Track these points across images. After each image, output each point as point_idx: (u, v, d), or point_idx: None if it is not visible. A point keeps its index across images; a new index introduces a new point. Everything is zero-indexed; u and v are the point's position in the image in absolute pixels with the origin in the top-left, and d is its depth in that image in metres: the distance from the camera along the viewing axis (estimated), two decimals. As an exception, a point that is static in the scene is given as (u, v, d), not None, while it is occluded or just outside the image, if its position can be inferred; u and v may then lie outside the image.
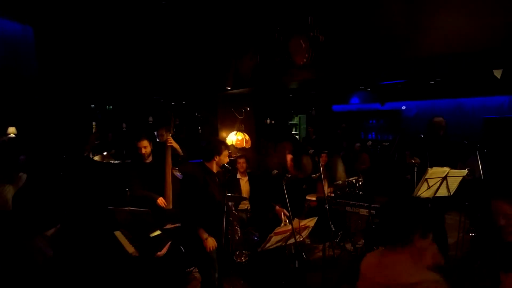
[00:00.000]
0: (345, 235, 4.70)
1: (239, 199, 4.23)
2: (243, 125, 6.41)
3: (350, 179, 4.81)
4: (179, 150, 3.64)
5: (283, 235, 2.89)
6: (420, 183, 3.27)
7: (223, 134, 6.85)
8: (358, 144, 8.22)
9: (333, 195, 4.80)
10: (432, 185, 3.30)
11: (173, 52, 6.62)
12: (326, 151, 5.45)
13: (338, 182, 4.83)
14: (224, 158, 2.99)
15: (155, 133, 4.75)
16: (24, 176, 4.09)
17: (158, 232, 2.94)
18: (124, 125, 10.70)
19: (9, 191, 3.81)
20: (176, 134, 3.87)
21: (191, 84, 7.33)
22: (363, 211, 4.58)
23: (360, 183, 4.74)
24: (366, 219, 4.44)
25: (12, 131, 7.19)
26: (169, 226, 3.14)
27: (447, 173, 3.31)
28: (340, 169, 4.66)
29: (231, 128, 6.58)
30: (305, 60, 4.62)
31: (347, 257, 4.36)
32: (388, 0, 4.07)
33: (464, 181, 3.50)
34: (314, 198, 4.98)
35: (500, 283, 1.54)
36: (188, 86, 7.53)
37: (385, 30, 4.03)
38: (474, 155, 3.77)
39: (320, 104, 10.98)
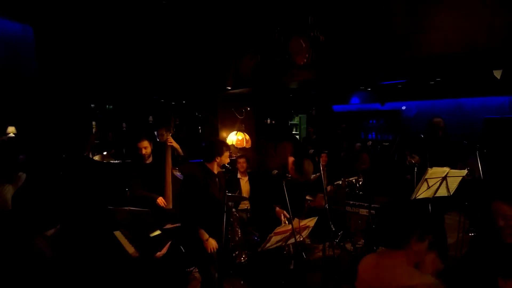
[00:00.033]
0: (345, 235, 4.70)
1: (239, 199, 4.24)
2: (243, 125, 6.41)
3: (350, 179, 4.81)
4: (179, 150, 3.64)
5: (283, 235, 2.89)
6: (420, 183, 3.27)
7: (223, 134, 6.85)
8: (358, 144, 8.25)
9: (333, 195, 4.81)
10: (432, 185, 3.30)
11: (173, 52, 6.62)
12: (326, 151, 5.45)
13: (338, 182, 4.83)
14: (225, 159, 2.97)
15: (155, 133, 4.75)
16: (23, 175, 4.09)
17: (158, 232, 2.94)
18: (124, 124, 10.70)
19: (9, 191, 3.81)
20: (176, 134, 3.87)
21: (191, 84, 7.33)
22: (363, 211, 4.59)
23: (360, 183, 4.74)
24: (366, 219, 4.44)
25: (11, 130, 7.19)
26: (169, 226, 3.14)
27: (447, 173, 3.31)
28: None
29: (231, 128, 6.58)
30: (305, 60, 4.62)
31: (347, 257, 4.36)
32: (388, 0, 4.07)
33: (464, 181, 3.49)
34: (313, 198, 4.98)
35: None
36: (188, 86, 7.53)
37: (385, 30, 4.03)
38: (474, 155, 3.78)
39: (320, 104, 10.98)
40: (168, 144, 3.50)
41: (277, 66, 5.26)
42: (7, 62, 6.34)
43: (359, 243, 4.65)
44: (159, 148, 3.65)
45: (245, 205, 4.52)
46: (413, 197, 3.29)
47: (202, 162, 2.99)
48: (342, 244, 4.59)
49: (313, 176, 5.00)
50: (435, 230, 4.02)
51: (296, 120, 11.98)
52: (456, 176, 3.41)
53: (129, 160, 5.09)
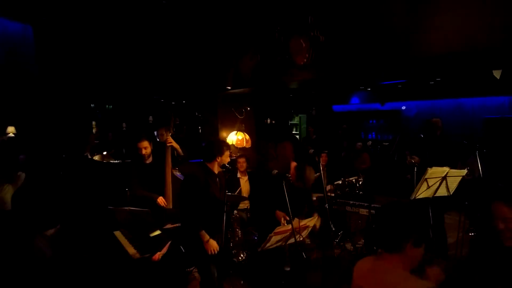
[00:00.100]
0: (345, 235, 4.70)
1: (239, 198, 4.24)
2: (243, 125, 6.41)
3: (350, 178, 4.81)
4: (179, 150, 3.64)
5: (283, 235, 2.89)
6: (419, 183, 3.27)
7: (223, 133, 6.85)
8: (359, 144, 8.21)
9: (333, 194, 4.81)
10: (432, 185, 3.30)
11: (173, 52, 6.62)
12: (326, 151, 5.45)
13: (338, 182, 4.83)
14: (226, 158, 2.97)
15: (155, 132, 4.75)
16: (23, 175, 4.09)
17: (158, 232, 2.94)
18: (124, 124, 10.71)
19: (9, 191, 3.81)
20: (175, 134, 3.87)
21: (191, 84, 7.33)
22: (363, 211, 4.58)
23: (360, 182, 4.73)
24: (366, 219, 4.44)
25: (11, 130, 7.18)
26: (169, 226, 3.14)
27: (447, 173, 3.31)
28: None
29: (231, 127, 6.58)
30: (305, 60, 4.62)
31: (347, 257, 4.36)
32: (388, 0, 4.07)
33: (463, 181, 3.50)
34: (314, 198, 4.98)
35: None
36: (188, 85, 7.53)
37: (385, 30, 4.03)
38: (474, 155, 3.78)
39: (320, 104, 10.97)
40: (168, 144, 3.49)
41: (277, 66, 5.26)
42: (7, 62, 6.34)
43: (359, 243, 4.64)
44: (159, 148, 3.65)
45: (245, 204, 4.52)
46: (413, 197, 3.29)
47: (202, 162, 2.98)
48: (342, 244, 4.59)
49: (314, 175, 5.00)
50: (435, 229, 4.03)
51: (296, 120, 11.97)
52: (456, 176, 3.41)
53: (129, 160, 5.09)
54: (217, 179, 2.98)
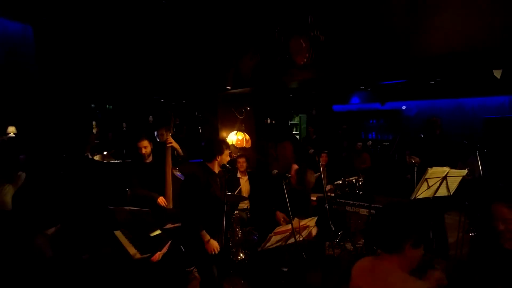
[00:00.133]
0: (345, 235, 4.70)
1: (240, 198, 4.24)
2: (243, 125, 6.41)
3: (350, 178, 4.81)
4: (179, 150, 3.64)
5: (283, 235, 2.89)
6: (420, 183, 3.27)
7: (223, 133, 6.85)
8: (360, 144, 8.22)
9: (333, 194, 4.81)
10: (432, 185, 3.30)
11: (173, 52, 6.62)
12: (326, 151, 5.45)
13: (338, 181, 4.83)
14: (226, 157, 2.96)
15: (155, 133, 4.75)
16: (23, 175, 4.10)
17: (158, 232, 2.94)
18: (124, 124, 10.71)
19: (9, 191, 3.82)
20: (175, 134, 3.87)
21: (191, 84, 7.33)
22: (363, 211, 4.58)
23: (360, 182, 4.74)
24: (366, 219, 4.44)
25: (12, 130, 7.19)
26: (169, 225, 3.14)
27: (447, 173, 3.32)
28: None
29: (231, 127, 6.58)
30: (305, 60, 4.62)
31: (347, 256, 4.36)
32: (388, 0, 4.07)
33: (464, 181, 3.50)
34: (314, 198, 4.98)
35: None
36: (188, 85, 7.53)
37: (386, 30, 4.03)
38: (474, 155, 3.78)
39: (320, 104, 10.98)
40: (168, 144, 3.50)
41: (277, 66, 5.26)
42: (7, 62, 6.35)
43: (359, 242, 4.65)
44: (159, 148, 3.66)
45: (245, 204, 4.52)
46: (413, 197, 3.29)
47: (202, 162, 2.97)
48: (342, 243, 4.59)
49: (314, 175, 5.01)
50: (436, 229, 4.03)
51: (296, 120, 11.98)
52: (456, 176, 3.41)
53: (129, 160, 5.10)
54: (218, 178, 2.97)
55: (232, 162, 4.67)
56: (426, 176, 3.23)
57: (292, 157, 5.03)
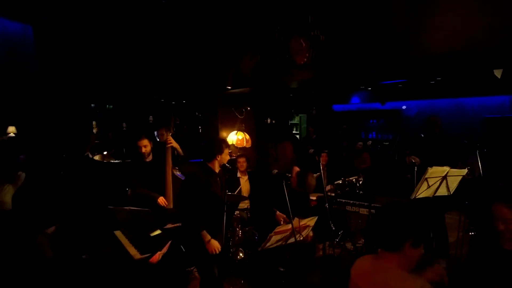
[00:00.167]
0: (345, 235, 4.70)
1: (240, 198, 4.23)
2: (243, 125, 6.41)
3: (351, 178, 4.81)
4: (179, 149, 3.64)
5: (283, 234, 2.89)
6: (420, 183, 3.27)
7: (223, 133, 6.85)
8: (360, 143, 8.22)
9: (333, 194, 4.81)
10: (432, 185, 3.30)
11: (173, 52, 6.62)
12: (326, 151, 5.45)
13: (338, 181, 4.83)
14: (226, 157, 2.95)
15: (155, 133, 4.75)
16: (23, 175, 4.10)
17: (158, 232, 2.94)
18: (124, 124, 10.71)
19: (9, 191, 3.82)
20: (175, 134, 3.87)
21: (191, 84, 7.33)
22: (363, 211, 4.58)
23: (361, 182, 4.74)
24: (366, 219, 4.44)
25: (12, 130, 7.19)
26: (169, 225, 3.14)
27: (447, 172, 3.31)
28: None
29: (231, 127, 6.58)
30: (305, 59, 4.62)
31: (347, 256, 4.36)
32: (388, 0, 4.08)
33: (464, 181, 3.50)
34: (314, 198, 4.99)
35: None
36: (188, 85, 7.53)
37: (386, 30, 4.03)
38: (474, 154, 3.78)
39: (320, 103, 10.98)
40: (168, 145, 3.50)
41: (277, 65, 5.26)
42: (7, 62, 6.34)
43: (359, 242, 4.65)
44: (159, 148, 3.66)
45: (245, 204, 4.52)
46: (413, 197, 3.29)
47: (202, 161, 2.96)
48: (342, 243, 4.59)
49: (314, 175, 5.02)
50: (436, 229, 4.03)
51: (296, 120, 11.98)
52: (456, 175, 3.41)
53: (129, 160, 5.10)
54: (218, 178, 2.97)
55: (232, 162, 4.67)
56: (426, 176, 3.23)
57: (292, 157, 5.03)
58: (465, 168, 3.52)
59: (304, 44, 4.56)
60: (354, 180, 4.74)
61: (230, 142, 6.05)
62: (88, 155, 5.80)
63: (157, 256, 2.71)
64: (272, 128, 9.96)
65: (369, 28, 4.17)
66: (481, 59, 4.13)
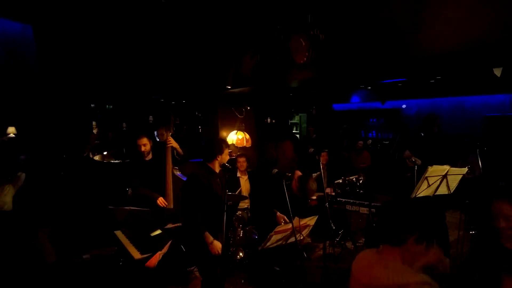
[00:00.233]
0: (346, 234, 4.70)
1: (240, 198, 4.23)
2: (243, 124, 6.41)
3: (351, 177, 4.81)
4: (179, 149, 3.64)
5: (284, 234, 2.89)
6: (420, 182, 3.26)
7: (223, 133, 6.86)
8: (360, 142, 8.23)
9: (333, 193, 4.80)
10: (432, 184, 3.30)
11: (173, 52, 6.62)
12: (327, 150, 5.44)
13: (338, 180, 4.83)
14: (226, 157, 2.94)
15: (155, 132, 4.76)
16: (23, 175, 4.10)
17: (158, 232, 2.94)
18: (124, 124, 10.72)
19: (9, 191, 3.82)
20: (175, 134, 3.87)
21: (191, 84, 7.33)
22: (364, 210, 4.58)
23: (361, 181, 4.73)
24: (367, 218, 4.44)
25: (12, 131, 7.20)
26: (170, 225, 3.14)
27: (447, 171, 3.31)
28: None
29: (231, 127, 6.58)
30: (305, 58, 4.61)
31: (347, 255, 4.36)
32: (388, -2, 4.07)
33: (464, 179, 3.49)
34: (314, 197, 4.98)
35: (501, 285, 1.49)
36: (188, 85, 7.53)
37: (386, 29, 4.02)
38: (475, 153, 3.78)
39: (320, 103, 10.97)
40: (168, 145, 3.50)
41: (277, 65, 5.25)
42: (7, 62, 6.35)
43: (359, 241, 4.65)
44: (159, 148, 3.66)
45: (245, 204, 4.52)
46: (413, 195, 3.28)
47: (203, 162, 2.95)
48: (342, 242, 4.59)
49: (314, 175, 5.03)
50: (437, 227, 4.03)
51: (296, 119, 11.98)
52: (456, 174, 3.40)
53: (129, 160, 5.11)
54: (218, 179, 2.96)
55: (232, 162, 4.67)
56: (426, 175, 3.22)
57: (292, 156, 5.03)
58: (465, 167, 3.52)
59: (304, 43, 4.56)
60: (354, 179, 4.74)
61: (230, 142, 6.05)
62: (88, 155, 5.81)
63: (157, 257, 2.71)
64: (272, 128, 9.96)
65: (368, 26, 4.17)
66: (481, 57, 4.12)
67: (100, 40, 6.53)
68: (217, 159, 2.89)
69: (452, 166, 3.35)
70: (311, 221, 3.13)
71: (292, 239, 2.93)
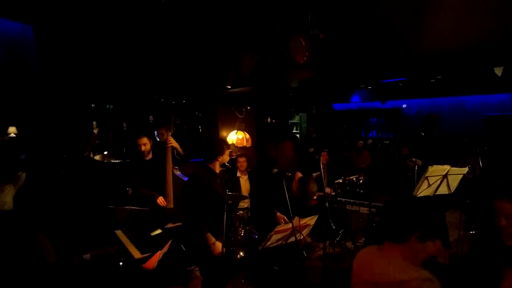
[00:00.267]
0: (346, 234, 4.70)
1: (240, 197, 4.23)
2: (243, 124, 6.41)
3: (351, 177, 4.80)
4: (179, 149, 3.64)
5: (284, 233, 2.89)
6: (420, 181, 3.26)
7: (223, 133, 6.86)
8: (360, 142, 8.24)
9: (333, 193, 4.80)
10: (433, 183, 3.29)
11: (173, 52, 6.62)
12: (327, 150, 5.44)
13: (339, 180, 4.83)
14: (226, 157, 2.92)
15: (155, 132, 4.76)
16: (23, 175, 4.11)
17: (159, 231, 2.95)
18: (124, 124, 10.72)
19: (10, 191, 3.83)
20: (175, 134, 3.88)
21: (191, 83, 7.33)
22: (364, 210, 4.58)
23: (361, 181, 4.73)
24: (367, 218, 4.44)
25: (12, 130, 7.21)
26: (170, 225, 3.15)
27: (448, 171, 3.31)
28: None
29: (231, 127, 6.59)
30: (305, 58, 4.61)
31: (347, 255, 4.36)
32: (388, -2, 4.06)
33: (464, 179, 3.49)
34: (314, 197, 4.98)
35: (502, 278, 1.49)
36: (188, 85, 7.53)
37: (386, 28, 4.02)
38: (475, 153, 3.78)
39: (320, 102, 10.97)
40: (168, 144, 3.50)
41: (277, 64, 5.25)
42: (7, 62, 6.35)
43: (359, 241, 4.65)
44: (159, 148, 3.66)
45: (245, 203, 4.52)
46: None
47: (203, 162, 2.95)
48: (342, 242, 4.59)
49: (314, 174, 5.03)
50: (438, 227, 4.02)
51: (296, 119, 11.97)
52: (457, 174, 3.40)
53: (129, 160, 5.11)
54: (219, 179, 2.95)
55: (232, 162, 4.67)
56: (427, 175, 3.22)
57: (293, 156, 5.03)
58: (465, 167, 3.52)
59: (304, 43, 4.56)
60: (354, 179, 4.74)
61: (230, 142, 6.05)
62: (88, 155, 5.81)
63: (157, 255, 2.71)
64: (272, 128, 9.95)
65: (369, 26, 4.17)
66: (481, 57, 4.12)
67: (100, 40, 6.54)
68: (218, 160, 2.88)
69: (452, 166, 3.35)
70: (311, 220, 3.13)
71: (292, 239, 2.93)
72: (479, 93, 7.88)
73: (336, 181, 4.82)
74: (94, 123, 10.51)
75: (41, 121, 6.58)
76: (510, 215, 1.49)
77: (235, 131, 6.30)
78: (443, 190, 3.41)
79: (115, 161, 5.89)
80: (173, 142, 3.53)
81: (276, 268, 3.34)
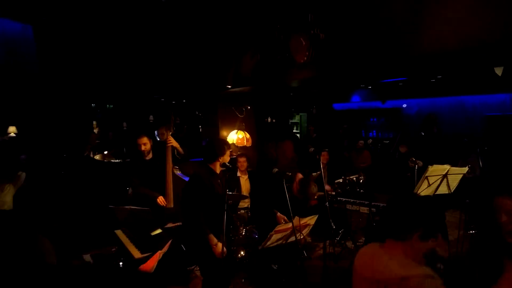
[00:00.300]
0: (346, 233, 4.70)
1: (241, 197, 4.24)
2: (243, 124, 6.41)
3: (351, 177, 4.81)
4: (179, 148, 3.65)
5: (284, 233, 2.89)
6: (420, 181, 3.26)
7: (223, 132, 6.86)
8: (361, 142, 8.24)
9: (333, 193, 4.81)
10: (433, 183, 3.30)
11: (174, 51, 6.62)
12: (327, 149, 5.44)
13: (339, 180, 4.83)
14: (227, 158, 2.93)
15: (155, 132, 4.76)
16: (23, 175, 4.11)
17: (159, 231, 2.95)
18: (124, 124, 10.72)
19: (10, 190, 3.83)
20: (175, 133, 3.88)
21: (191, 83, 7.33)
22: (364, 209, 4.58)
23: (361, 181, 4.74)
24: (367, 217, 4.44)
25: (12, 130, 7.21)
26: (170, 225, 3.15)
27: (448, 170, 3.31)
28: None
29: (231, 126, 6.58)
30: (305, 58, 4.61)
31: (348, 255, 4.37)
32: (388, -3, 4.06)
33: (464, 179, 3.49)
34: (315, 197, 4.98)
35: (503, 271, 1.49)
36: (188, 85, 7.53)
37: (386, 28, 4.02)
38: (475, 153, 3.78)
39: (321, 102, 10.97)
40: (168, 144, 3.50)
41: (277, 64, 5.25)
42: (7, 62, 6.35)
43: (360, 241, 4.65)
44: (160, 148, 3.67)
45: (245, 203, 4.52)
46: (414, 195, 3.29)
47: (204, 162, 2.94)
48: (343, 242, 4.59)
49: (314, 174, 5.03)
50: (440, 226, 4.03)
51: (296, 119, 11.97)
52: (456, 173, 3.40)
53: (129, 159, 5.11)
54: (219, 180, 2.95)
55: (233, 161, 4.67)
56: (427, 174, 3.23)
57: (293, 156, 5.03)
58: (465, 167, 3.52)
59: (304, 43, 4.56)
60: (354, 178, 4.75)
61: (230, 141, 6.05)
62: (88, 154, 5.82)
63: (157, 255, 2.71)
64: (272, 127, 9.94)
65: (369, 26, 4.17)
66: (481, 57, 4.12)
67: (100, 40, 6.54)
68: (219, 160, 2.88)
69: (452, 165, 3.36)
70: (311, 220, 3.14)
71: (292, 239, 2.93)
72: (479, 93, 7.88)
73: (336, 181, 4.83)
74: (94, 122, 10.51)
75: (41, 121, 6.58)
76: (511, 212, 1.50)
77: (235, 130, 6.30)
78: (443, 189, 3.42)
79: (115, 160, 5.89)
80: (173, 142, 3.53)
81: (276, 268, 3.34)
